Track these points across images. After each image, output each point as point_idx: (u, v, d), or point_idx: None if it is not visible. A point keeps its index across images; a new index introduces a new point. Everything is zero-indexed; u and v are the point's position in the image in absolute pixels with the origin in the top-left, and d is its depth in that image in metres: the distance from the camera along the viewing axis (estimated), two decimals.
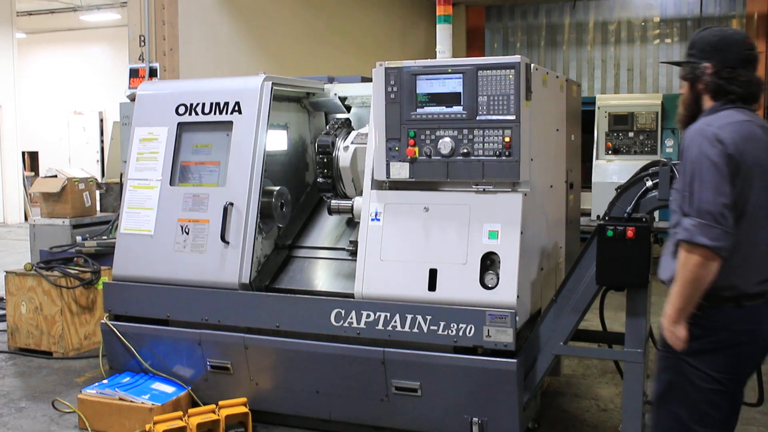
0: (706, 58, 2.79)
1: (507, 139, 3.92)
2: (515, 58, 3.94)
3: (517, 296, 3.97)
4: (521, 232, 4.02)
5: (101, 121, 19.17)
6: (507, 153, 3.92)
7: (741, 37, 2.82)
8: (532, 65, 4.07)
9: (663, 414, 2.71)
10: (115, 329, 4.82)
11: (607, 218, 4.02)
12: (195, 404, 4.71)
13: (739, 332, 2.60)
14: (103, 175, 15.59)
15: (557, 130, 4.78)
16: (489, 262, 4.00)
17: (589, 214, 9.12)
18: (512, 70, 3.91)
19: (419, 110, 4.14)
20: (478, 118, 4.00)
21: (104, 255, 6.50)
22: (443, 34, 4.53)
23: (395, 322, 4.10)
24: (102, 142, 18.79)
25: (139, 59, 8.42)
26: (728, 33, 2.83)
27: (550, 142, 4.63)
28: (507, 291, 3.98)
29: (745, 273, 2.58)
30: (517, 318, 3.99)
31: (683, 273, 2.52)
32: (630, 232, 3.81)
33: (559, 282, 4.59)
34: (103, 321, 4.91)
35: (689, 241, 2.50)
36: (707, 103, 2.79)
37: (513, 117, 3.93)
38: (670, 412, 2.68)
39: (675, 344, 2.61)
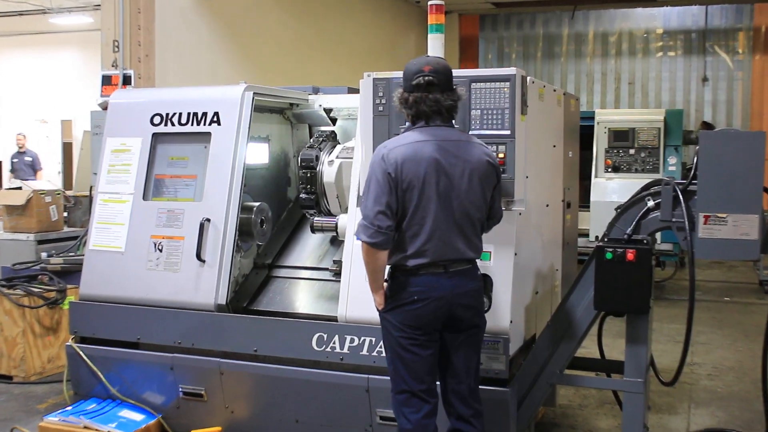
0: (401, 85, 3.63)
1: (501, 155, 3.93)
2: (510, 70, 3.96)
3: (511, 321, 3.97)
4: (515, 254, 4.02)
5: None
6: (501, 170, 3.91)
7: (418, 66, 3.55)
8: (528, 78, 4.09)
9: (387, 357, 3.67)
10: (81, 352, 4.79)
11: (606, 240, 4.06)
12: None
13: (414, 293, 3.52)
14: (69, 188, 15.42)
15: (554, 146, 4.80)
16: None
17: (587, 235, 9.13)
18: (507, 83, 3.93)
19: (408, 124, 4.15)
20: (470, 132, 3.99)
21: (71, 273, 6.45)
22: (435, 44, 4.56)
23: (381, 347, 4.01)
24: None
25: (113, 66, 8.41)
26: (411, 63, 3.61)
27: (547, 158, 4.65)
28: (500, 316, 3.98)
29: (415, 255, 3.51)
30: (510, 344, 3.98)
31: (363, 258, 3.54)
32: (630, 255, 3.85)
33: (555, 306, 4.58)
34: (68, 343, 4.87)
35: (356, 236, 3.52)
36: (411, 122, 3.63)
37: (507, 132, 3.94)
38: (387, 355, 3.65)
39: (377, 306, 3.62)
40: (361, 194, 4.13)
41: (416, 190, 3.47)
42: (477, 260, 3.67)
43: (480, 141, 3.71)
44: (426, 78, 3.51)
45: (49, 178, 15.05)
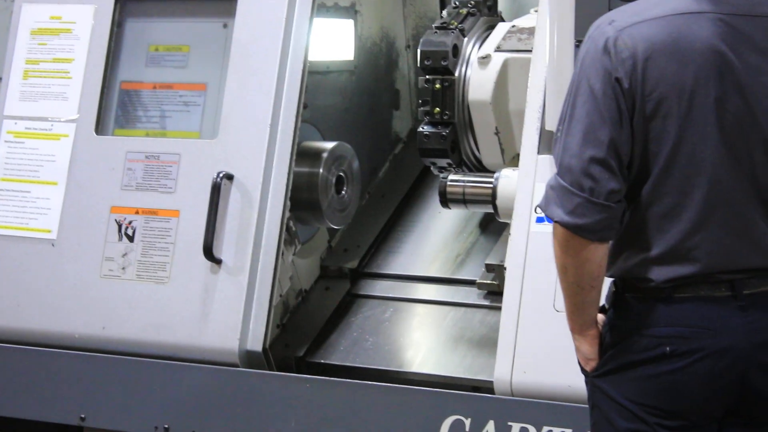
0: None
1: None
2: None
3: None
4: None
5: None
6: None
7: None
8: None
9: None
10: None
11: None
12: None
13: (664, 339, 3.01)
14: None
15: None
16: None
17: None
18: None
19: None
20: None
21: None
22: None
23: None
24: None
25: None
26: None
27: None
28: None
29: (669, 259, 3.02)
30: None
31: (556, 259, 3.11)
32: None
33: None
34: None
35: (544, 211, 3.09)
36: None
37: None
38: None
39: (581, 363, 3.19)
40: (550, 127, 4.14)
41: (674, 120, 2.93)
42: None
43: None
44: None
45: None
